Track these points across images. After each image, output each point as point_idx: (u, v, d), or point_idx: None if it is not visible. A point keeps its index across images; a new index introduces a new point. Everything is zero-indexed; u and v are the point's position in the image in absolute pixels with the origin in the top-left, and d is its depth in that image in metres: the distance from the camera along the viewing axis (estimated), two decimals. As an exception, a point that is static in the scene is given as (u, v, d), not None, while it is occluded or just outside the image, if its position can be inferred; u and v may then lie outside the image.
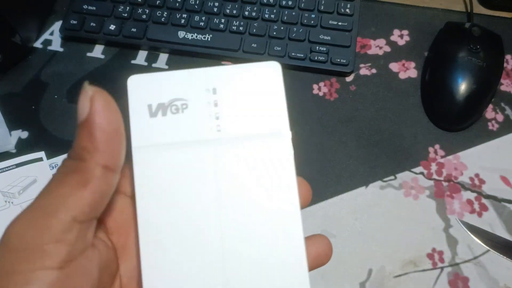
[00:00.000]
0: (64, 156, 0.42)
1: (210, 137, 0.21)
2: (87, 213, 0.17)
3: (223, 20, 0.47)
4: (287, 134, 0.21)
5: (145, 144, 0.20)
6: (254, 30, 0.47)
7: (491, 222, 0.39)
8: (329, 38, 0.46)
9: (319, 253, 0.22)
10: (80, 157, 0.18)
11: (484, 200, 0.40)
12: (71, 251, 0.17)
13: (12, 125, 0.45)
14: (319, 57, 0.45)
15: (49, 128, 0.45)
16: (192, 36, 0.47)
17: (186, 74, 0.21)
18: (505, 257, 0.38)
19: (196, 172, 0.20)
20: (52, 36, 0.50)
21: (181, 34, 0.47)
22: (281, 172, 0.20)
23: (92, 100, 0.18)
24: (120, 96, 0.48)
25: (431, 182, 0.41)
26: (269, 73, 0.21)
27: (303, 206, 0.21)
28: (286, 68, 0.46)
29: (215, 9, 0.48)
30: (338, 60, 0.45)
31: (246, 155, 0.20)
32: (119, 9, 0.48)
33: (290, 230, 0.20)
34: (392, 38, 0.48)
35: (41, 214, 0.17)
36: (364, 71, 0.46)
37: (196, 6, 0.48)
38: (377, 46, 0.47)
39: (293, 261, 0.19)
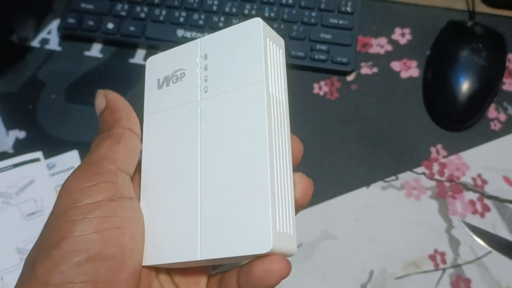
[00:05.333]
0: (62, 156, 0.42)
1: (199, 98, 0.23)
2: (125, 164, 0.22)
3: (222, 19, 0.47)
4: (261, 83, 0.21)
5: (152, 113, 0.24)
6: (254, 29, 0.46)
7: (494, 223, 0.39)
8: (330, 36, 0.46)
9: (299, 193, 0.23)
10: (109, 127, 0.23)
11: (486, 201, 0.40)
12: (119, 190, 0.21)
13: (9, 125, 0.44)
14: (319, 56, 0.45)
15: (46, 128, 0.44)
16: (191, 34, 0.46)
17: (187, 46, 0.24)
18: (507, 258, 0.37)
19: (185, 129, 0.23)
20: (50, 35, 0.49)
21: (180, 32, 0.47)
22: (253, 118, 0.21)
23: (106, 94, 0.24)
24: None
25: (433, 183, 0.40)
26: (249, 30, 0.22)
27: (294, 162, 0.23)
28: (286, 67, 0.46)
29: (214, 7, 0.47)
30: (339, 59, 0.45)
31: (225, 108, 0.22)
32: (117, 8, 0.48)
33: (257, 170, 0.20)
34: (394, 36, 0.47)
35: (91, 165, 0.21)
36: (365, 70, 0.46)
37: (195, 5, 0.47)
38: (379, 45, 0.47)
39: (257, 199, 0.20)
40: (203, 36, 0.47)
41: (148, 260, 0.22)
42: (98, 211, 0.19)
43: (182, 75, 0.23)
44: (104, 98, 0.23)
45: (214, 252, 0.20)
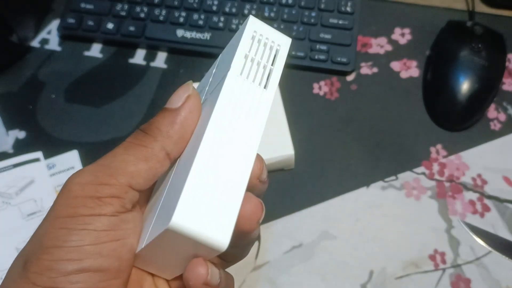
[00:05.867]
0: (62, 156, 0.42)
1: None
2: (140, 184, 0.20)
3: (222, 19, 0.47)
4: (226, 73, 0.21)
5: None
6: (254, 29, 0.46)
7: (494, 222, 0.39)
8: (329, 36, 0.46)
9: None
10: (152, 134, 0.20)
11: (486, 201, 0.40)
12: (123, 206, 0.20)
13: (9, 125, 0.44)
14: (319, 56, 0.45)
15: (46, 128, 0.44)
16: (191, 34, 0.46)
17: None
18: (507, 258, 0.37)
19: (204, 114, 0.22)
20: (50, 35, 0.49)
21: (180, 32, 0.47)
22: (212, 106, 0.21)
23: (189, 98, 0.21)
24: (119, 95, 0.48)
25: (433, 183, 0.40)
26: (241, 27, 0.23)
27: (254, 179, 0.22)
28: (286, 67, 0.46)
29: (214, 8, 0.47)
30: (339, 59, 0.45)
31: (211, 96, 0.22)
32: (117, 8, 0.48)
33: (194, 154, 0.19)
34: (393, 36, 0.47)
35: (105, 173, 0.20)
36: (365, 70, 0.46)
37: (195, 5, 0.47)
38: (378, 45, 0.47)
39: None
40: (203, 36, 0.47)
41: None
42: (98, 224, 0.19)
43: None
44: (185, 98, 0.21)
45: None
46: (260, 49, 0.22)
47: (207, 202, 0.19)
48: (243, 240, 0.20)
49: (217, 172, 0.19)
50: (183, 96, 0.21)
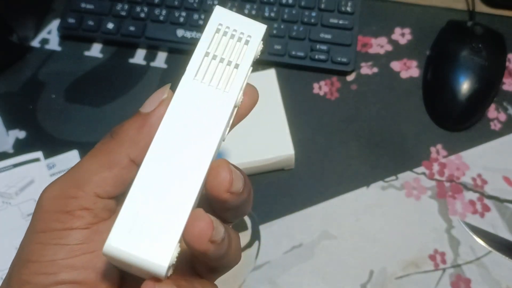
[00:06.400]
0: (62, 156, 0.42)
1: None
2: (109, 192, 0.20)
3: (222, 19, 0.47)
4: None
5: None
6: (254, 29, 0.46)
7: (494, 222, 0.39)
8: (329, 36, 0.45)
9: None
10: (119, 138, 0.20)
11: (486, 201, 0.40)
12: (95, 216, 0.19)
13: (9, 124, 0.44)
14: (319, 56, 0.45)
15: (46, 128, 0.44)
16: (191, 34, 0.46)
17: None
18: (507, 258, 0.37)
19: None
20: (50, 35, 0.49)
21: (180, 32, 0.47)
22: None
23: (162, 103, 0.20)
24: (119, 95, 0.48)
25: (433, 183, 0.40)
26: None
27: (243, 111, 0.21)
28: (286, 67, 0.46)
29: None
30: (339, 59, 0.45)
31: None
32: (117, 8, 0.48)
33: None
34: (394, 36, 0.47)
35: (71, 185, 0.19)
36: (365, 70, 0.46)
37: (195, 5, 0.47)
38: (379, 45, 0.47)
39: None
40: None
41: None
42: (70, 238, 0.19)
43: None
44: (158, 103, 0.20)
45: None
46: (225, 44, 0.20)
47: (146, 224, 0.17)
48: (208, 257, 0.19)
49: (159, 190, 0.18)
50: (157, 100, 0.20)
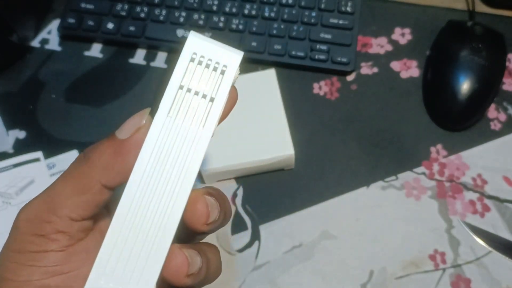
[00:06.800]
0: (62, 156, 0.42)
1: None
2: (82, 215, 0.20)
3: (222, 19, 0.47)
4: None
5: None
6: (254, 29, 0.46)
7: (494, 222, 0.39)
8: (329, 36, 0.45)
9: None
10: (91, 163, 0.19)
11: (486, 201, 0.40)
12: (71, 238, 0.19)
13: (9, 124, 0.44)
14: (319, 56, 0.45)
15: (46, 128, 0.44)
16: (191, 34, 0.46)
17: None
18: (507, 258, 0.37)
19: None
20: (50, 35, 0.49)
21: (180, 32, 0.47)
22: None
23: (138, 131, 0.19)
24: (119, 95, 0.48)
25: (433, 183, 0.40)
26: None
27: (228, 109, 0.20)
28: (286, 67, 0.46)
29: (214, 7, 0.47)
30: (339, 59, 0.45)
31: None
32: (117, 8, 0.48)
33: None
34: (394, 36, 0.47)
35: (45, 209, 0.19)
36: (365, 70, 0.46)
37: (195, 5, 0.47)
38: (379, 45, 0.47)
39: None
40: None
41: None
42: (45, 261, 0.19)
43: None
44: (135, 129, 0.19)
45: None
46: (200, 74, 0.19)
47: (125, 263, 0.18)
48: (188, 287, 0.20)
49: (138, 229, 0.19)
50: (133, 127, 0.19)
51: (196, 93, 0.19)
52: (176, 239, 0.19)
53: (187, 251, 0.19)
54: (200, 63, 0.19)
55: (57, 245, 0.19)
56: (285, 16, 0.46)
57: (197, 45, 0.19)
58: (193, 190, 0.19)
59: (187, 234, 0.21)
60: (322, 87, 0.45)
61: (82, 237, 0.20)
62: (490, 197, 0.40)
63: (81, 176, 0.19)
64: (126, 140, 0.19)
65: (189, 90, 0.19)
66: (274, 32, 0.46)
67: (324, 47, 0.45)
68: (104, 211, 0.22)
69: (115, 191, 0.20)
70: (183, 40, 0.46)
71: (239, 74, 0.20)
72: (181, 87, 0.19)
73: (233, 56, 0.20)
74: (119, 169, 0.19)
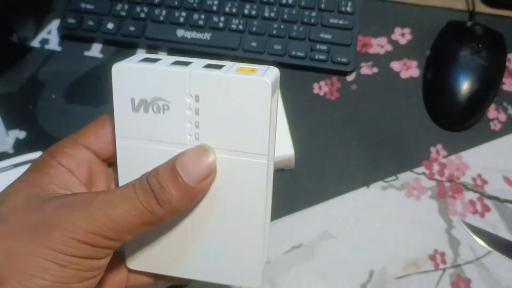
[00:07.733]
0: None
1: (188, 143, 0.21)
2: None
3: (222, 19, 0.47)
4: (264, 159, 0.21)
5: (126, 136, 0.22)
6: (254, 29, 0.46)
7: (494, 223, 0.39)
8: (329, 36, 0.45)
9: None
10: (163, 207, 0.20)
11: (486, 201, 0.40)
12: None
13: (9, 125, 0.44)
14: (319, 56, 0.45)
15: (46, 128, 0.44)
16: (191, 34, 0.46)
17: (170, 74, 0.21)
18: (507, 258, 0.37)
19: None
20: (50, 35, 0.49)
21: (180, 32, 0.47)
22: (249, 193, 0.22)
23: (209, 177, 0.21)
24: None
25: (433, 183, 0.40)
26: (257, 91, 0.20)
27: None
28: (286, 67, 0.46)
29: (214, 7, 0.47)
30: (339, 59, 0.45)
31: (220, 168, 0.21)
32: (117, 8, 0.48)
33: (253, 223, 0.23)
34: (394, 36, 0.47)
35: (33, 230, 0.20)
36: (365, 70, 0.46)
37: (195, 5, 0.47)
38: (379, 45, 0.47)
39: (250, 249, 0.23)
40: (203, 36, 0.46)
41: (134, 265, 0.24)
42: None
43: (166, 107, 0.21)
44: (206, 174, 0.21)
45: (209, 276, 0.23)
46: (274, 113, 0.21)
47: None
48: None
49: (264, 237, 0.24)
50: (206, 169, 0.20)
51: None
52: None
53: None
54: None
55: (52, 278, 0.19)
56: (285, 16, 0.46)
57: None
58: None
59: None
60: (322, 87, 0.45)
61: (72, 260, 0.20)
62: (490, 197, 0.40)
63: (151, 213, 0.20)
64: (198, 188, 0.20)
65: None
66: (274, 32, 0.46)
67: (324, 47, 0.45)
68: None
69: None
70: (183, 39, 0.46)
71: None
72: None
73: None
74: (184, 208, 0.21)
